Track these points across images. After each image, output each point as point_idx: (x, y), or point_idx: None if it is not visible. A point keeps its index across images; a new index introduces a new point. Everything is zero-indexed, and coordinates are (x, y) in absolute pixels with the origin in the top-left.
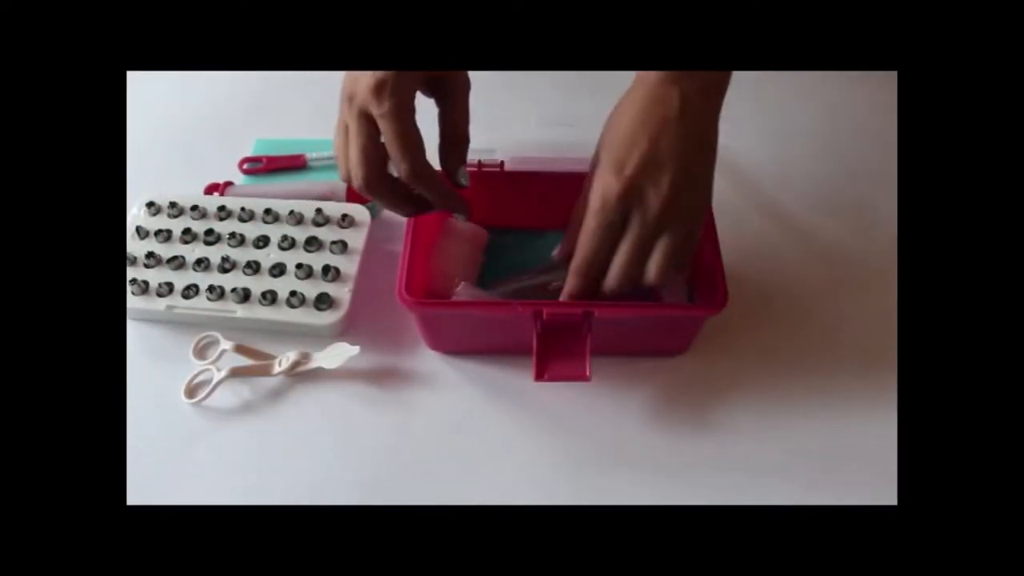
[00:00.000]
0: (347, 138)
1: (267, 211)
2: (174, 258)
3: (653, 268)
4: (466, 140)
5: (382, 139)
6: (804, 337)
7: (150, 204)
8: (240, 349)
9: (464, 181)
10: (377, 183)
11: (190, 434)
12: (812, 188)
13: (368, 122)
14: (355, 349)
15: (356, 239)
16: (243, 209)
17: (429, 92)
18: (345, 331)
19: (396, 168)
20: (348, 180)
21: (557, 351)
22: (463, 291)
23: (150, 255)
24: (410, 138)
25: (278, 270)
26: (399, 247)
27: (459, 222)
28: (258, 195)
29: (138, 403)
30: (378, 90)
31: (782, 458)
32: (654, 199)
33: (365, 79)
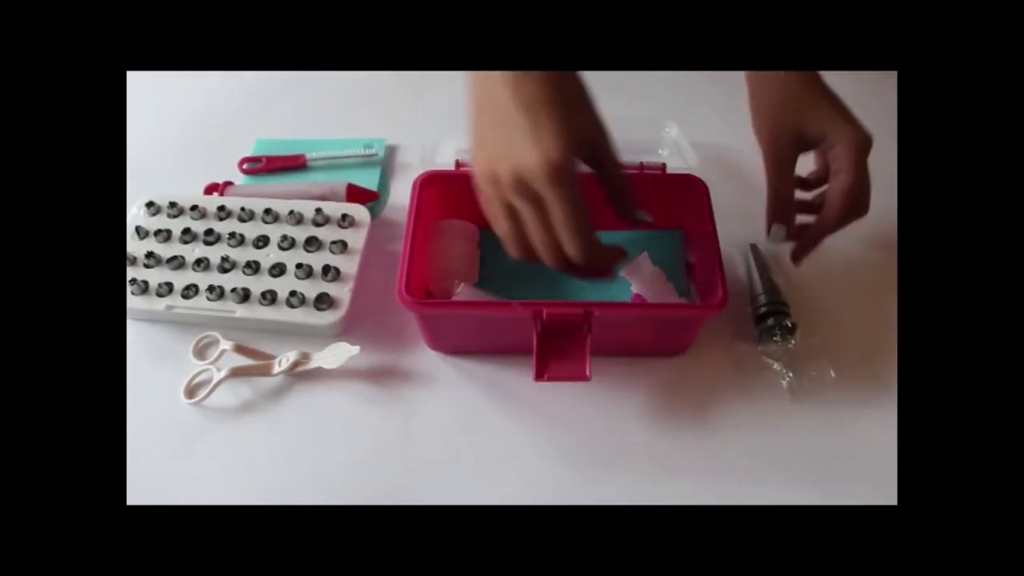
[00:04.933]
0: (514, 218)
1: (267, 211)
2: (174, 258)
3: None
4: (627, 185)
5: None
6: (804, 337)
7: (150, 204)
8: (240, 349)
9: (647, 218)
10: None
11: (190, 434)
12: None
13: (539, 204)
14: (355, 349)
15: (356, 239)
16: (243, 209)
17: (586, 162)
18: (345, 331)
19: (567, 246)
20: (529, 259)
21: (557, 351)
22: (463, 291)
23: (150, 255)
24: (584, 219)
25: (278, 270)
26: (399, 247)
27: (449, 222)
28: (258, 195)
29: (138, 403)
30: (555, 175)
31: (782, 458)
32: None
33: (531, 158)
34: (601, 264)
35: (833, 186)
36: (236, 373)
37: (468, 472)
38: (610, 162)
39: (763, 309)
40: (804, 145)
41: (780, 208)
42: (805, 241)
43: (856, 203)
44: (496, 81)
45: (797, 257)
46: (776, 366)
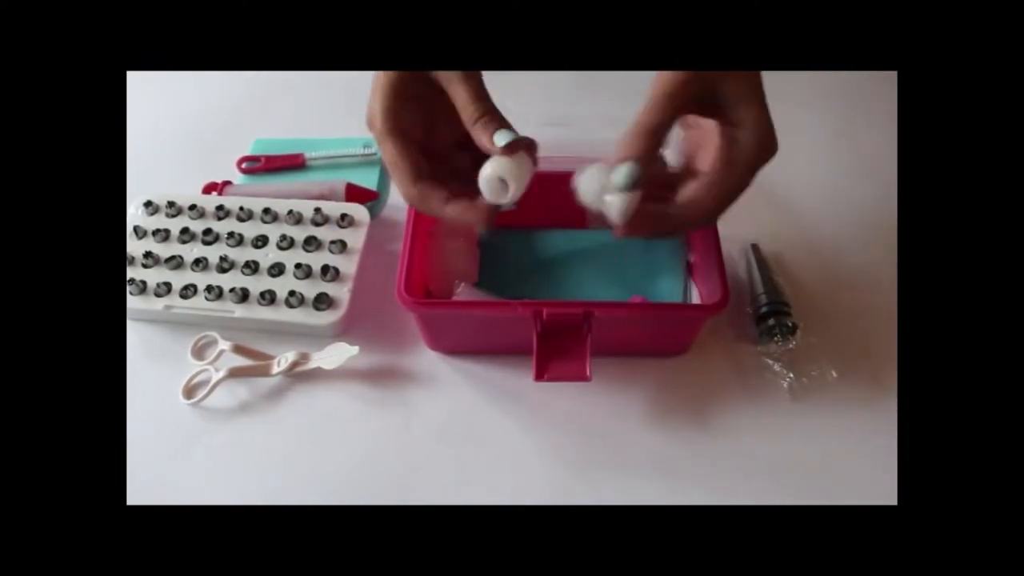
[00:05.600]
0: None
1: (266, 211)
2: (172, 258)
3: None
4: (478, 116)
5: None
6: (804, 336)
7: (148, 203)
8: (239, 349)
9: (500, 141)
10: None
11: (189, 434)
12: (812, 187)
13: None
14: (354, 349)
15: (355, 239)
16: (241, 209)
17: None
18: (344, 331)
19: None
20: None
21: (557, 351)
22: (463, 291)
23: (148, 255)
24: (398, 164)
25: (277, 270)
26: (399, 247)
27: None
28: (257, 194)
29: (137, 403)
30: (371, 120)
31: (782, 458)
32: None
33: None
34: (437, 213)
35: (711, 178)
36: (235, 373)
37: (468, 472)
38: (453, 92)
39: (764, 309)
40: (703, 105)
41: (642, 140)
42: (641, 221)
43: (717, 208)
44: None
45: (624, 230)
46: (776, 366)
